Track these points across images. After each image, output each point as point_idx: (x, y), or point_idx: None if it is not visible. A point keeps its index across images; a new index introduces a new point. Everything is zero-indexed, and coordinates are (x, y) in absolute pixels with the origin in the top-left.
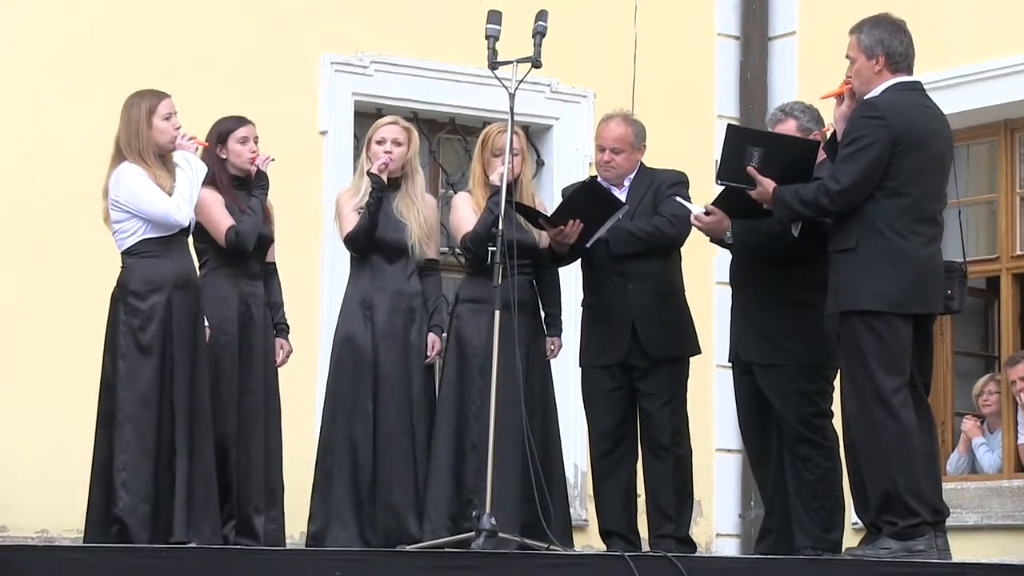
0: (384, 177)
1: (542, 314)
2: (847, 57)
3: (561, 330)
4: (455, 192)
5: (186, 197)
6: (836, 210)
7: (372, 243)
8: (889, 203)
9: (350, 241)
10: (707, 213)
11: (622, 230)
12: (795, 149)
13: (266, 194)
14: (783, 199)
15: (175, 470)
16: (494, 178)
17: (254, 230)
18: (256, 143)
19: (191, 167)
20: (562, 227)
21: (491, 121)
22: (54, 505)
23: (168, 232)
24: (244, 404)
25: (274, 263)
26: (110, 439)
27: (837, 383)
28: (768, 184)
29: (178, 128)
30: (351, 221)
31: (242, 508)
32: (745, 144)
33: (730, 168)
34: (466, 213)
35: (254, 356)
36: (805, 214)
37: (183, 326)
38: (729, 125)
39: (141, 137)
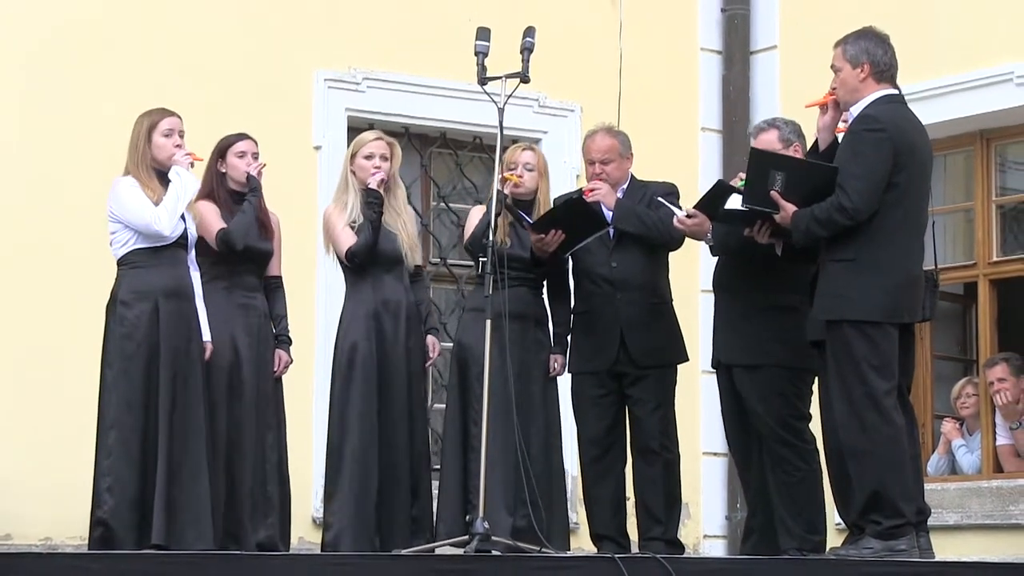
0: (381, 191)
1: (550, 328)
2: (832, 68)
3: (566, 348)
4: (446, 205)
5: (169, 209)
6: (852, 226)
7: (374, 257)
8: (888, 215)
9: (354, 256)
10: (689, 216)
11: (629, 209)
12: (816, 175)
13: (258, 199)
14: (797, 224)
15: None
16: (498, 187)
17: (243, 229)
18: (255, 158)
19: (180, 181)
20: (542, 236)
21: (481, 135)
22: (57, 513)
23: (156, 243)
24: (234, 412)
25: (279, 276)
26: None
27: (814, 387)
28: (789, 208)
29: (178, 145)
30: (347, 236)
31: (233, 514)
32: (768, 168)
33: (755, 192)
34: (474, 220)
35: (245, 366)
36: (822, 234)
37: (171, 335)
38: (752, 149)
39: (139, 152)
